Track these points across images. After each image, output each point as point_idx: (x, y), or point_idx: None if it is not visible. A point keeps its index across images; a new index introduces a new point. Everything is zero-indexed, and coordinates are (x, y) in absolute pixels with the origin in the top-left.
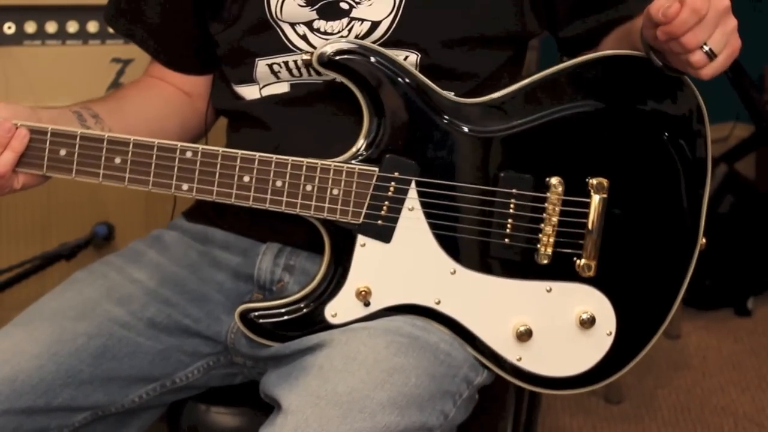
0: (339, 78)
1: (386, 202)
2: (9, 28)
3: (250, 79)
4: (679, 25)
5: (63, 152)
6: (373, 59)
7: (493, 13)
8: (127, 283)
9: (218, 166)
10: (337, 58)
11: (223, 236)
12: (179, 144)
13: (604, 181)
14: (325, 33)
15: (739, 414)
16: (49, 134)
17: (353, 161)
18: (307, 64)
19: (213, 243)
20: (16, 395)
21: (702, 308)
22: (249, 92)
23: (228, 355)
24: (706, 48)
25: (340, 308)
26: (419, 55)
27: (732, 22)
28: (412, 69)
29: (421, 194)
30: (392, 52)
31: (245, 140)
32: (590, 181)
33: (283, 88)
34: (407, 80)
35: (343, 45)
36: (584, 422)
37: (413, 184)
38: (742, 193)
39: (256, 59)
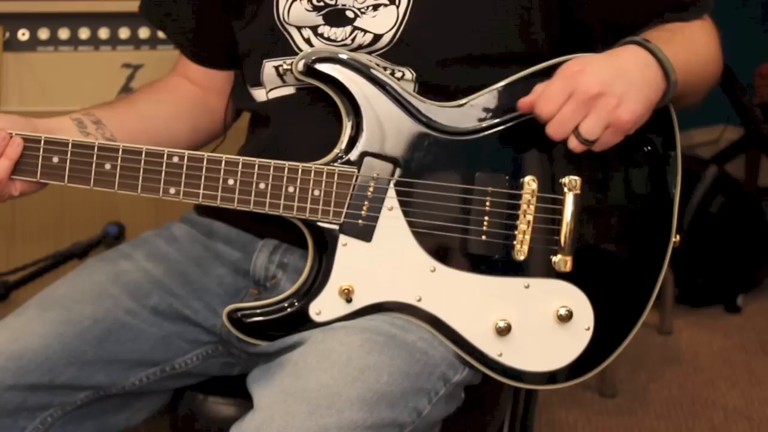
0: (317, 85)
1: (366, 203)
2: (23, 34)
3: (258, 81)
4: (538, 120)
5: (55, 159)
6: (348, 66)
7: (495, 33)
8: (134, 271)
9: (203, 170)
10: (315, 66)
11: (226, 230)
12: (166, 150)
13: (577, 179)
14: (329, 39)
15: (729, 407)
16: (42, 142)
17: (333, 163)
18: (286, 72)
19: (217, 237)
20: (22, 372)
21: (693, 305)
22: (258, 95)
23: (225, 347)
24: (580, 137)
25: (324, 306)
26: (416, 73)
27: (607, 103)
28: (388, 74)
29: (399, 194)
30: (381, 62)
31: (256, 140)
32: (564, 179)
33: (289, 90)
34: (383, 85)
35: (320, 53)
36: (579, 416)
37: (392, 185)
38: (731, 194)
39: (264, 60)
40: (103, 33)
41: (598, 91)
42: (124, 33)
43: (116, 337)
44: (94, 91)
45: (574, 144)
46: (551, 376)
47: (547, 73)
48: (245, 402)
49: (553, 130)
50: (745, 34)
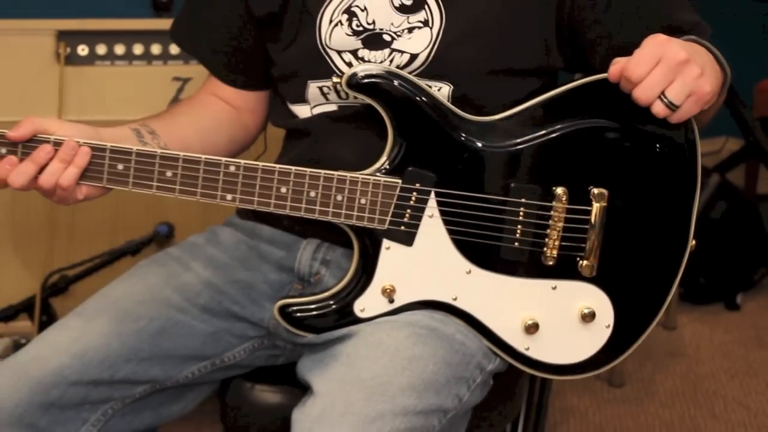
0: (365, 99)
1: (408, 210)
2: (83, 50)
3: (302, 99)
4: (625, 85)
5: (120, 167)
6: (395, 81)
7: (520, 49)
8: (184, 272)
9: (258, 179)
10: (364, 81)
11: (269, 232)
12: (224, 159)
13: (605, 191)
14: (369, 62)
15: (729, 397)
16: (108, 151)
17: (378, 174)
18: (338, 87)
19: (260, 238)
20: (85, 369)
21: (696, 303)
22: (302, 111)
23: (271, 338)
24: (665, 99)
25: (368, 304)
26: (452, 87)
27: (693, 71)
28: (430, 90)
29: (439, 203)
30: (419, 79)
31: (297, 150)
32: (592, 190)
33: (331, 107)
34: (426, 100)
35: (369, 69)
36: (590, 403)
37: (433, 194)
38: (732, 201)
39: (308, 81)
40: (156, 49)
41: (686, 58)
42: (174, 49)
43: (170, 335)
44: (148, 103)
45: (659, 108)
46: (571, 369)
47: (575, 92)
48: (290, 389)
49: (642, 93)
50: (745, 51)
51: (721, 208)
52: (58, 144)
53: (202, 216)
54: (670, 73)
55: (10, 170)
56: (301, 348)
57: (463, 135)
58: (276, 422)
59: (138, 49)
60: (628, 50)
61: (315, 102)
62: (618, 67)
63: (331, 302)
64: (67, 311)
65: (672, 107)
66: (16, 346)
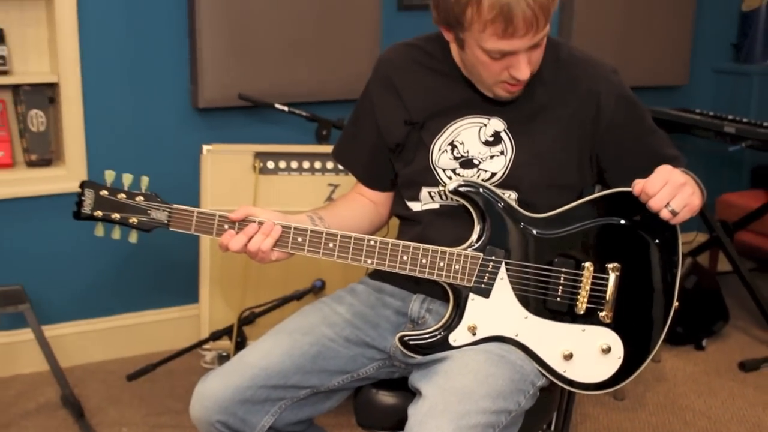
0: (461, 201)
1: (487, 275)
2: (270, 164)
3: (416, 198)
4: (644, 198)
5: (300, 239)
6: (480, 190)
7: (566, 171)
8: (333, 314)
9: (389, 250)
10: (461, 189)
11: (390, 288)
12: (367, 236)
13: (618, 266)
14: (461, 177)
15: (696, 410)
16: (292, 229)
17: (468, 249)
18: (443, 192)
19: (384, 292)
20: (268, 377)
21: (674, 344)
22: (415, 206)
23: (390, 360)
24: (669, 208)
25: (458, 337)
26: (518, 194)
27: (688, 191)
28: (503, 195)
29: (508, 270)
30: (497, 189)
31: (410, 233)
32: (609, 265)
33: (435, 205)
34: (500, 203)
35: (462, 181)
36: (600, 410)
37: (503, 264)
38: (700, 275)
39: (422, 187)
40: (317, 164)
41: (684, 182)
42: (329, 164)
43: (323, 356)
44: (311, 200)
45: (665, 214)
46: (594, 386)
47: (599, 199)
48: (403, 394)
49: (654, 203)
50: (710, 174)
51: (692, 280)
52: (261, 223)
53: (343, 276)
54: (673, 191)
55: (230, 239)
56: (411, 366)
57: (524, 225)
58: (392, 417)
59: (306, 164)
60: (631, 171)
61: (425, 201)
62: (639, 186)
63: (435, 335)
64: (254, 336)
65: (674, 213)
66: (220, 357)
